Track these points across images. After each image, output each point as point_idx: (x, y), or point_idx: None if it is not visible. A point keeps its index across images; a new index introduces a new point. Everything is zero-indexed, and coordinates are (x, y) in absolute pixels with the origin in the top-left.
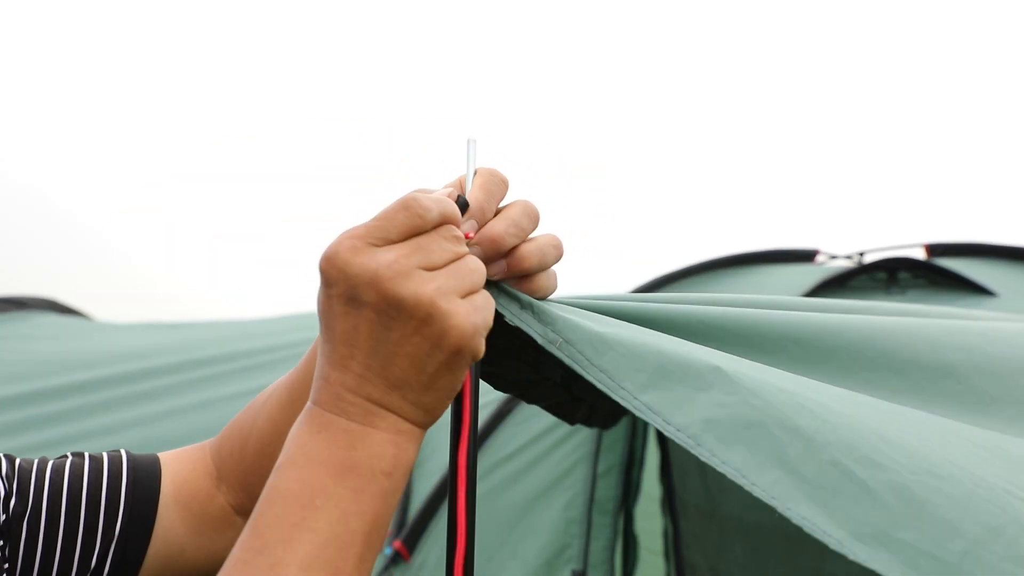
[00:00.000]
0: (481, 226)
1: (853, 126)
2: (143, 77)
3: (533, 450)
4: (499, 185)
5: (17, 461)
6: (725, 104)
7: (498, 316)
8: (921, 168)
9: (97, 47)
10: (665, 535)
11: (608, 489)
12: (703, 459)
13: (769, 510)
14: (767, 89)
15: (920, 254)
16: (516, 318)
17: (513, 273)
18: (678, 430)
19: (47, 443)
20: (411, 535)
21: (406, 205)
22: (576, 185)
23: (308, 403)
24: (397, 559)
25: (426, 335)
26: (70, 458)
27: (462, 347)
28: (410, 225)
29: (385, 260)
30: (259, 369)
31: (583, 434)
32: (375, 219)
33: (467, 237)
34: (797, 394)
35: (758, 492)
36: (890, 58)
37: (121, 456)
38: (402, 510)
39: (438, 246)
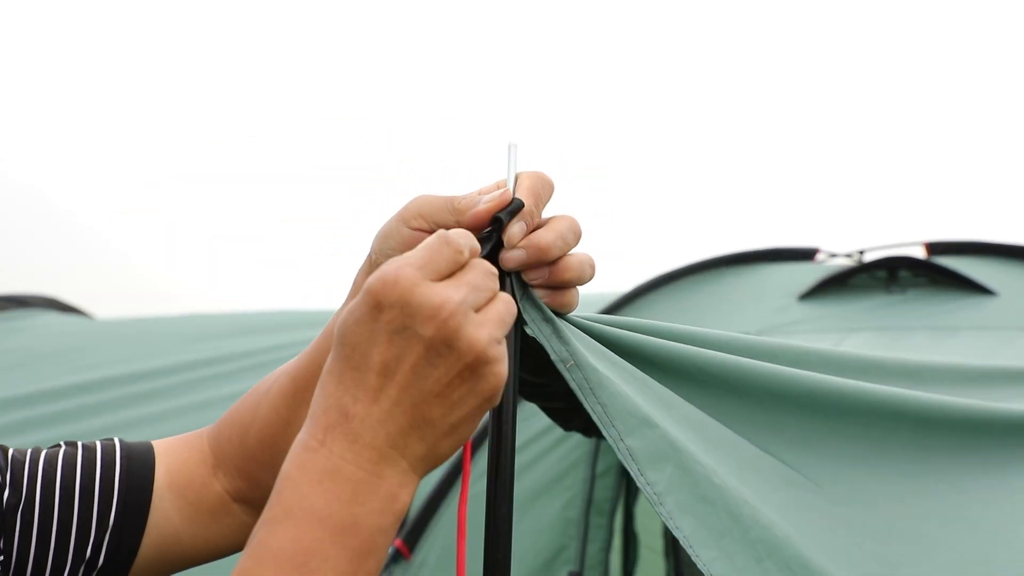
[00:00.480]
0: (530, 229)
1: (853, 125)
2: (143, 77)
3: (532, 449)
4: (547, 189)
5: (10, 452)
6: (725, 104)
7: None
8: (921, 167)
9: (97, 47)
10: (665, 534)
11: (606, 490)
12: (660, 516)
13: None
14: (767, 89)
15: (920, 252)
16: (536, 327)
17: (552, 282)
18: (647, 484)
19: (45, 442)
20: (411, 533)
21: (446, 241)
22: (576, 185)
23: (307, 438)
24: (397, 557)
25: (466, 378)
26: (63, 448)
27: (495, 395)
28: (454, 260)
29: (451, 297)
30: (259, 368)
31: None
32: (422, 251)
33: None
34: (740, 488)
35: (699, 564)
36: (890, 58)
37: (114, 445)
38: None
39: (483, 284)
